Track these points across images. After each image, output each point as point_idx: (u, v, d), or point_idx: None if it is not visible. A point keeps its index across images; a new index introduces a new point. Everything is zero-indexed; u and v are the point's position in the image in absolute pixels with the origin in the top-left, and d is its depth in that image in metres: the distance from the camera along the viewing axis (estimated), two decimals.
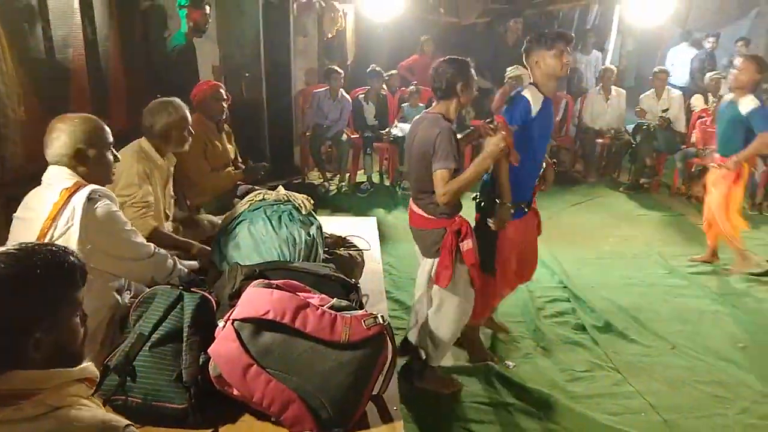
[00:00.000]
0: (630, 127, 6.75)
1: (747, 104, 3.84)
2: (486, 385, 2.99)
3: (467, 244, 2.59)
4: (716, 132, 4.27)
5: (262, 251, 2.04)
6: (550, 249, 4.56)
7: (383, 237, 4.85)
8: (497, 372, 3.07)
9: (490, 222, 2.84)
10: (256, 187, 3.03)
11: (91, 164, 1.92)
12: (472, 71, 2.66)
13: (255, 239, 2.07)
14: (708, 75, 7.25)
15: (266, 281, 1.66)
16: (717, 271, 4.43)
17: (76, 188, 1.84)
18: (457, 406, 2.85)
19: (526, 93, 2.86)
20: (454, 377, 3.01)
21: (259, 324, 1.54)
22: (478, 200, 3.02)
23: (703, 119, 6.27)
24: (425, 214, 2.66)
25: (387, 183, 6.53)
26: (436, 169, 2.49)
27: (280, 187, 2.34)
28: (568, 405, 2.81)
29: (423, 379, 2.88)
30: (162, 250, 2.04)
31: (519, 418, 2.76)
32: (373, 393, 1.65)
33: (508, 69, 6.46)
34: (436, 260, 2.65)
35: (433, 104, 2.73)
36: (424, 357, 2.86)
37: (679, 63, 7.85)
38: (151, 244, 2.02)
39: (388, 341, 1.79)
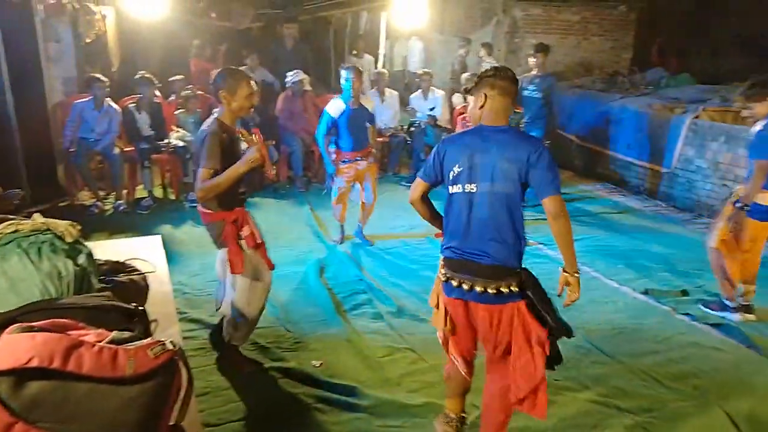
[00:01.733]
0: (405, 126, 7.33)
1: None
2: (296, 387, 3.01)
3: (245, 231, 2.91)
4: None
5: (21, 291, 1.77)
6: (345, 244, 4.77)
7: (173, 255, 4.58)
8: (304, 372, 3.12)
9: None
10: (10, 217, 2.63)
11: None
12: (242, 80, 2.84)
13: (10, 278, 1.79)
14: (463, 76, 8.20)
15: (25, 325, 1.45)
16: None
17: None
18: (266, 408, 2.86)
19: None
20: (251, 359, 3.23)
21: (22, 374, 1.34)
22: None
23: (464, 115, 7.07)
24: (205, 210, 2.91)
25: (172, 197, 6.15)
26: (199, 167, 2.73)
27: (36, 214, 2.06)
28: (371, 392, 2.96)
29: (223, 358, 3.18)
30: None
31: (327, 413, 2.83)
32: (171, 423, 1.55)
33: (289, 74, 6.56)
34: (226, 250, 2.92)
35: None
36: (227, 338, 3.11)
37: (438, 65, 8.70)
38: None
39: (181, 366, 1.71)
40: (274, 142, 5.92)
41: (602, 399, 2.99)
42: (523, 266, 2.28)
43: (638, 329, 3.74)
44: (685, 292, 4.27)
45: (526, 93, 6.16)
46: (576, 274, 2.25)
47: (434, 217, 2.50)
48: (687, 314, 3.92)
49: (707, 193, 6.17)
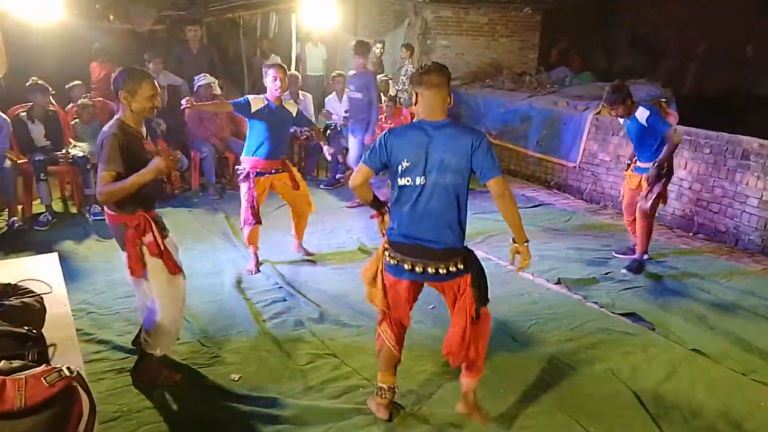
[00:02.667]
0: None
1: (642, 114, 4.30)
2: (215, 404, 2.89)
3: (148, 237, 2.77)
4: (634, 144, 4.61)
5: None
6: (265, 253, 4.63)
7: (76, 272, 4.32)
8: (223, 387, 3.00)
9: None
10: None
11: None
12: (143, 80, 2.70)
13: None
14: (378, 77, 8.25)
15: None
16: None
17: None
18: (182, 429, 2.73)
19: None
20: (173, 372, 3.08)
21: None
22: None
23: (379, 116, 7.11)
24: (110, 211, 2.82)
25: (73, 210, 5.75)
26: (100, 170, 2.63)
27: None
28: (294, 401, 2.90)
29: (137, 371, 3.03)
30: None
31: (248, 428, 2.74)
32: None
33: (196, 77, 6.33)
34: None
35: None
36: (145, 348, 2.99)
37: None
38: None
39: (81, 393, 1.59)
40: (179, 154, 5.54)
41: (520, 388, 3.08)
42: (465, 246, 2.57)
43: (552, 318, 3.89)
44: (594, 280, 4.50)
45: (348, 94, 6.20)
46: (525, 243, 2.54)
47: (373, 200, 2.72)
48: (596, 303, 4.12)
49: (611, 185, 6.55)
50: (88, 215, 5.49)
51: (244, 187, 4.32)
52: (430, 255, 2.48)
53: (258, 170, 4.31)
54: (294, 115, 4.49)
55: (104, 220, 5.30)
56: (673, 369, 3.32)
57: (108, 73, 6.54)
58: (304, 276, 4.44)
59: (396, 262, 2.55)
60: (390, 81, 8.07)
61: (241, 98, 4.38)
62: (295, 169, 4.61)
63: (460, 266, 2.52)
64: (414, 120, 2.56)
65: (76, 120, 5.85)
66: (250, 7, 7.38)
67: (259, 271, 4.44)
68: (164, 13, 6.69)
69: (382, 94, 7.86)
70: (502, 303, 3.90)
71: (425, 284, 2.67)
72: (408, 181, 2.45)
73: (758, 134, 5.36)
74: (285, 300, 4.01)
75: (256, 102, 4.26)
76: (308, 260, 4.75)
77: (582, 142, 6.84)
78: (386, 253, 2.59)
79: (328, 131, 7.03)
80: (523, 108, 7.62)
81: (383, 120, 7.03)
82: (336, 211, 6.05)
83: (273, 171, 4.37)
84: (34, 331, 1.95)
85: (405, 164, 2.44)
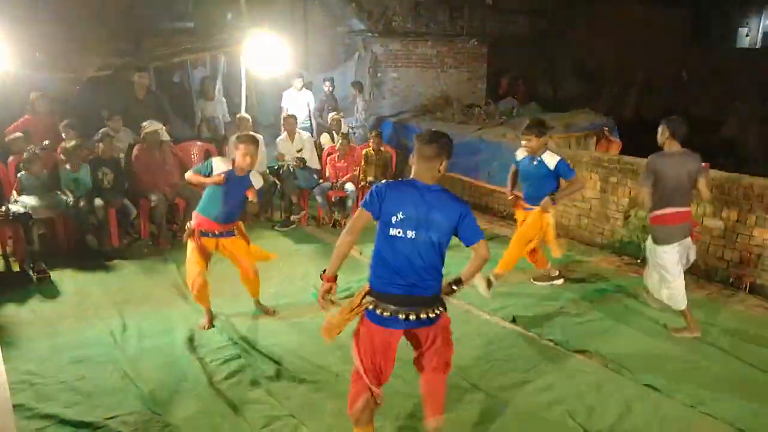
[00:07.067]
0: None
1: (551, 160, 4.63)
2: None
3: None
4: (525, 184, 4.90)
5: None
6: (218, 305, 4.52)
7: (16, 338, 4.13)
8: None
9: None
10: None
11: None
12: None
13: None
14: (330, 115, 8.29)
15: None
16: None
17: None
18: None
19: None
20: None
21: None
22: None
23: (332, 155, 7.12)
24: None
25: (16, 268, 5.51)
26: None
27: None
28: None
29: None
30: None
31: None
32: None
33: (144, 123, 6.22)
34: None
35: None
36: None
37: (296, 106, 8.37)
38: None
39: None
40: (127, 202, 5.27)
41: None
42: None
43: (509, 359, 3.92)
44: (548, 316, 4.57)
45: None
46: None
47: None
48: (550, 340, 4.18)
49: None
50: (32, 273, 5.27)
51: (190, 244, 4.23)
52: (422, 301, 2.69)
53: (203, 230, 4.21)
54: (258, 188, 4.37)
55: (48, 277, 5.20)
56: (628, 408, 3.38)
57: (47, 124, 6.36)
58: (259, 329, 4.35)
59: (389, 314, 2.66)
60: (342, 119, 8.11)
61: (206, 162, 4.31)
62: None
63: (441, 309, 2.76)
64: (410, 177, 2.75)
65: (23, 173, 5.65)
66: (197, 50, 7.32)
67: (212, 326, 4.34)
68: (108, 60, 6.56)
69: (334, 132, 7.90)
70: (459, 345, 3.87)
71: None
72: (399, 232, 2.66)
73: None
74: (239, 357, 3.92)
75: (219, 167, 4.21)
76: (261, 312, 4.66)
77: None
78: (375, 304, 2.69)
79: (281, 171, 6.98)
80: (473, 140, 7.75)
81: (336, 159, 7.05)
82: (290, 255, 5.97)
83: (219, 233, 4.25)
84: None
85: (399, 216, 2.66)
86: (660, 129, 4.09)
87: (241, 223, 4.46)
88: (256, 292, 4.60)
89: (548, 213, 4.73)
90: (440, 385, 2.84)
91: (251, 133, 4.62)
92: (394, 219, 2.66)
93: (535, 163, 4.74)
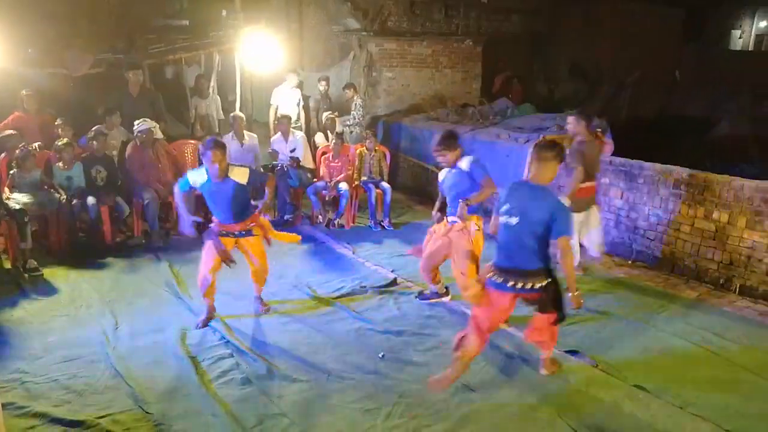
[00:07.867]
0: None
1: (466, 163, 4.38)
2: None
3: None
4: (449, 198, 4.52)
5: None
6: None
7: (7, 336, 4.13)
8: None
9: None
10: None
11: None
12: None
13: None
14: (324, 115, 8.28)
15: None
16: (355, 290, 5.06)
17: None
18: None
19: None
20: None
21: None
22: None
23: (326, 155, 7.12)
24: None
25: (7, 265, 5.49)
26: None
27: None
28: None
29: None
30: None
31: None
32: None
33: (137, 122, 6.20)
34: None
35: None
36: None
37: (285, 104, 8.25)
38: None
39: None
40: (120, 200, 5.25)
41: None
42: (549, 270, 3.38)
43: (498, 360, 3.94)
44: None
45: None
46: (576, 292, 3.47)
47: None
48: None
49: None
50: (25, 272, 5.25)
51: (209, 242, 4.31)
52: (525, 273, 3.34)
53: (224, 231, 4.33)
54: (245, 182, 4.27)
55: (41, 275, 5.18)
56: (617, 408, 3.41)
57: (43, 122, 6.34)
58: (251, 328, 4.36)
59: (502, 280, 3.37)
60: (336, 118, 8.10)
61: (185, 179, 4.35)
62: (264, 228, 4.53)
63: (544, 283, 3.33)
64: (525, 178, 3.47)
65: (15, 171, 5.63)
66: (191, 48, 7.31)
67: (207, 325, 4.35)
68: (101, 57, 6.53)
69: (328, 131, 7.90)
70: (447, 346, 3.92)
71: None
72: (505, 219, 3.39)
73: (690, 158, 5.64)
74: (232, 356, 3.93)
75: (196, 177, 4.27)
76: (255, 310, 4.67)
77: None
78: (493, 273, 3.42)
79: (275, 170, 6.97)
80: (466, 140, 7.76)
81: (330, 159, 7.06)
82: (284, 254, 5.96)
83: (238, 233, 4.36)
84: None
85: (506, 206, 3.40)
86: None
87: (260, 217, 4.51)
88: (260, 290, 4.68)
89: (469, 221, 4.41)
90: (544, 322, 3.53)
91: (215, 137, 4.59)
92: (503, 208, 3.46)
93: (453, 171, 4.46)
